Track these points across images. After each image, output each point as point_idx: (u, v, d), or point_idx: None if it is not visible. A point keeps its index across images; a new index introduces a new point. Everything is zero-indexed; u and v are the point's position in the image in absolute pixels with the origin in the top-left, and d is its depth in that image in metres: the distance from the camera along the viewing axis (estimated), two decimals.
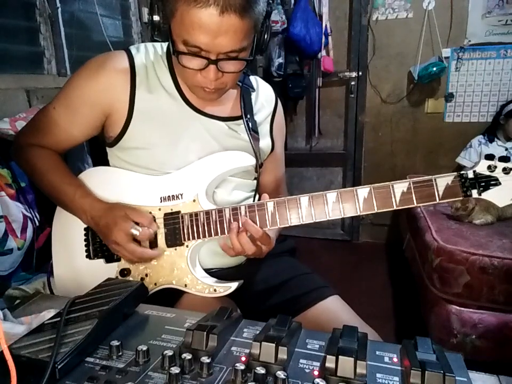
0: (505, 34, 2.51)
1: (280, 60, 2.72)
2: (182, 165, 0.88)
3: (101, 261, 0.89)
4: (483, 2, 2.50)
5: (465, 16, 2.55)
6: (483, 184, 0.73)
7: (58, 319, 0.53)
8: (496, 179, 0.72)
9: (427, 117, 2.80)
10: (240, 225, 0.80)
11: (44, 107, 0.94)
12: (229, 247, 0.82)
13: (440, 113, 2.76)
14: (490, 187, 0.73)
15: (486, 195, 0.73)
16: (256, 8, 0.73)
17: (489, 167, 0.73)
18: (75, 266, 0.91)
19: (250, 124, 0.91)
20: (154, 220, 0.86)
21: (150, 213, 0.86)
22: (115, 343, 0.50)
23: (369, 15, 2.71)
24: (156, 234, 0.86)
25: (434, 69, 2.54)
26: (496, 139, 2.48)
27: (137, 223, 0.83)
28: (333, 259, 2.77)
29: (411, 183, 0.74)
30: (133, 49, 0.90)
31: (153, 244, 0.86)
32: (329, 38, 2.75)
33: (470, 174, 0.73)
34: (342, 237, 3.16)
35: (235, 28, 0.71)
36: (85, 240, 0.90)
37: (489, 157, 0.73)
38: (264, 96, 1.01)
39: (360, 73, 2.81)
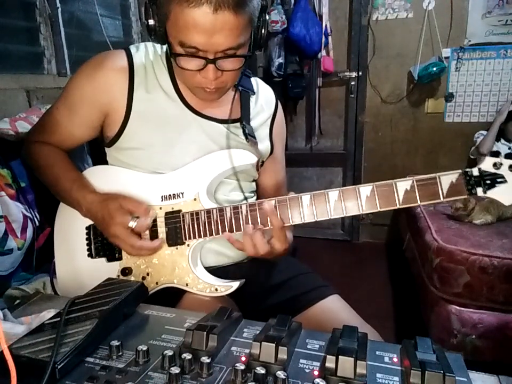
0: (505, 34, 2.52)
1: (280, 60, 2.72)
2: (178, 166, 0.88)
3: (103, 259, 0.89)
4: (483, 2, 2.50)
5: (465, 16, 2.55)
6: (488, 182, 0.70)
7: (58, 319, 0.53)
8: (502, 176, 0.69)
9: (427, 117, 2.80)
10: (256, 226, 0.79)
11: (50, 107, 0.95)
12: (237, 240, 0.81)
13: (440, 113, 2.76)
14: (496, 185, 0.70)
15: (492, 193, 0.70)
16: (250, 3, 0.72)
17: (494, 165, 0.70)
18: (77, 266, 0.91)
19: (246, 130, 0.90)
20: (156, 224, 0.85)
21: None
22: (115, 343, 0.50)
23: (369, 15, 2.71)
24: (156, 233, 0.86)
25: (434, 69, 2.54)
26: (501, 137, 2.47)
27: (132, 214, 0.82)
28: (333, 259, 2.77)
29: (414, 181, 0.72)
30: (132, 48, 0.90)
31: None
32: (329, 38, 2.75)
33: (475, 172, 0.70)
34: (342, 237, 3.16)
35: (230, 25, 0.70)
36: (87, 239, 0.90)
37: (495, 154, 0.72)
38: (264, 98, 1.00)
39: (360, 73, 2.81)
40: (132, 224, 0.80)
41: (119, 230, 0.81)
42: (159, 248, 0.85)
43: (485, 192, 0.70)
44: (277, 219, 0.78)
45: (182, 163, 0.88)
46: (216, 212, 0.82)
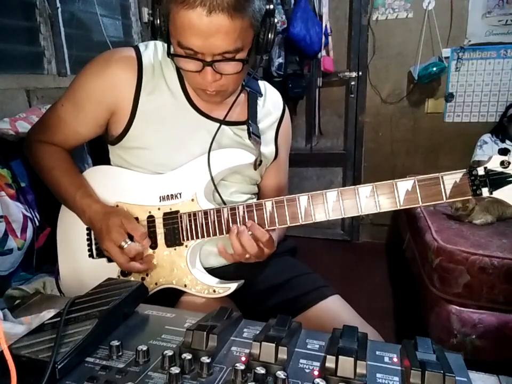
0: (505, 34, 2.51)
1: (280, 60, 2.72)
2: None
3: (103, 260, 0.89)
4: (483, 2, 2.50)
5: (465, 16, 2.55)
6: (495, 181, 0.66)
7: (58, 319, 0.53)
8: (510, 176, 0.65)
9: (427, 117, 2.80)
10: (240, 226, 0.79)
11: (53, 104, 0.94)
12: (227, 252, 0.82)
13: (440, 113, 2.76)
14: (504, 185, 0.65)
15: (498, 194, 0.66)
16: (249, 7, 0.70)
17: (502, 163, 0.65)
18: (79, 266, 0.91)
19: (251, 129, 0.89)
20: (154, 225, 0.86)
21: (150, 212, 0.86)
22: (115, 343, 0.50)
23: (369, 15, 2.71)
24: (155, 234, 0.86)
25: (434, 69, 2.54)
26: (506, 139, 2.45)
27: (130, 235, 0.82)
28: (333, 259, 2.77)
29: (416, 181, 0.70)
30: (141, 46, 0.89)
31: (152, 243, 0.86)
32: (329, 38, 2.75)
33: (481, 171, 0.66)
34: (342, 237, 3.16)
35: (226, 28, 0.69)
36: (87, 239, 0.91)
37: (503, 151, 0.68)
38: (271, 101, 0.99)
39: (360, 73, 2.81)
40: (123, 244, 0.81)
41: (111, 246, 0.81)
42: (149, 268, 0.85)
43: (491, 193, 0.67)
44: (260, 231, 0.78)
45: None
46: (214, 213, 0.82)
